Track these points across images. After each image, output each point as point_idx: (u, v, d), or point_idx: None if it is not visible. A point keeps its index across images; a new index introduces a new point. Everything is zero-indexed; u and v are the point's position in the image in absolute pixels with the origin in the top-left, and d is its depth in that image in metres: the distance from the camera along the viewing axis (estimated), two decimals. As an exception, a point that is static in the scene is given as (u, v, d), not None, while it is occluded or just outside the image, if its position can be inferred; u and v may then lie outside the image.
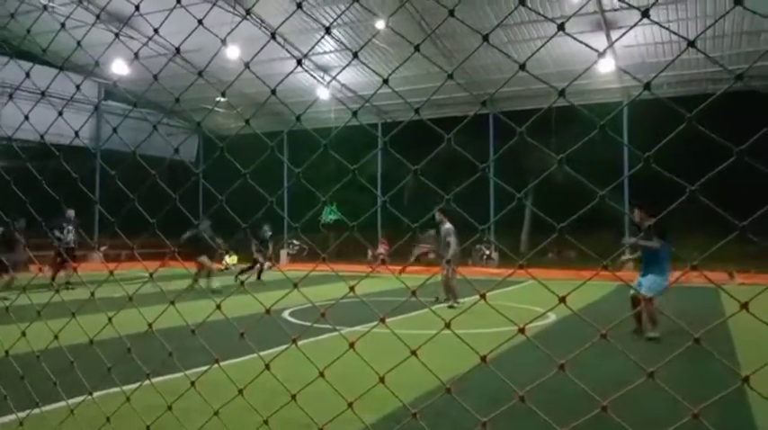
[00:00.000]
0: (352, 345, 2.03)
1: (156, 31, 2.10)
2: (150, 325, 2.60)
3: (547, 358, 1.75)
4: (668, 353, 1.71)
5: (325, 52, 22.80)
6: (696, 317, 9.54)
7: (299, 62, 2.07)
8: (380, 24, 19.18)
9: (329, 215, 27.43)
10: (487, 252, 24.17)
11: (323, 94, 24.31)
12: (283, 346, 2.67)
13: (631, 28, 1.97)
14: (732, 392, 1.76)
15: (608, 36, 18.37)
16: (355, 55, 1.86)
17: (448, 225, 11.54)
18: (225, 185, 2.73)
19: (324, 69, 23.77)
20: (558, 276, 15.61)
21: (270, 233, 17.68)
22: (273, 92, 1.94)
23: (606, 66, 19.89)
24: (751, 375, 1.49)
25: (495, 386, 4.98)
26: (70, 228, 15.28)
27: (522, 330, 1.69)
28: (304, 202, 26.47)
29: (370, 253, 25.10)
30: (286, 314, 10.21)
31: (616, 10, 17.43)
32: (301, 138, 26.35)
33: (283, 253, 27.16)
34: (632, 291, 8.46)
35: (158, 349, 2.47)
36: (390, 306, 10.88)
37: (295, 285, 2.26)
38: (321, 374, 2.07)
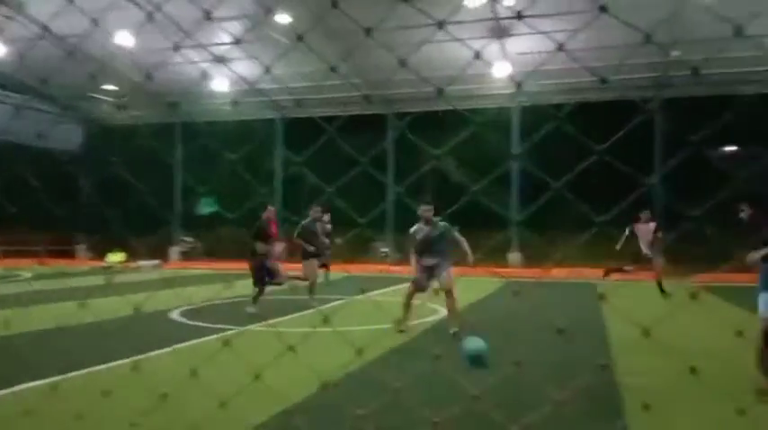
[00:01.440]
0: (227, 344, 1.97)
1: (25, 10, 1.93)
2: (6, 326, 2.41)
3: (443, 350, 1.79)
4: (559, 347, 1.80)
5: (223, 43, 22.16)
6: (572, 311, 10.30)
7: (177, 48, 1.98)
8: (280, 17, 18.92)
9: (206, 207, 27.36)
10: (385, 250, 24.51)
11: (219, 85, 23.71)
12: (174, 346, 2.56)
13: (497, 38, 2.05)
14: (604, 383, 1.88)
15: (501, 42, 19.16)
16: (238, 42, 1.80)
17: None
18: (114, 176, 2.57)
19: (221, 60, 23.11)
20: (455, 273, 16.06)
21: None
22: (150, 77, 1.84)
23: (501, 71, 20.73)
24: (609, 363, 1.60)
25: (392, 379, 5.06)
26: None
27: (401, 330, 1.71)
28: (197, 196, 25.99)
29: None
30: (176, 314, 9.81)
31: (510, 18, 18.20)
32: (199, 130, 25.56)
33: (174, 250, 26.12)
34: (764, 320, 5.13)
35: (29, 352, 2.29)
36: (286, 304, 10.74)
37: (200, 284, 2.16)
38: (195, 374, 2.00)
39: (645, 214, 12.89)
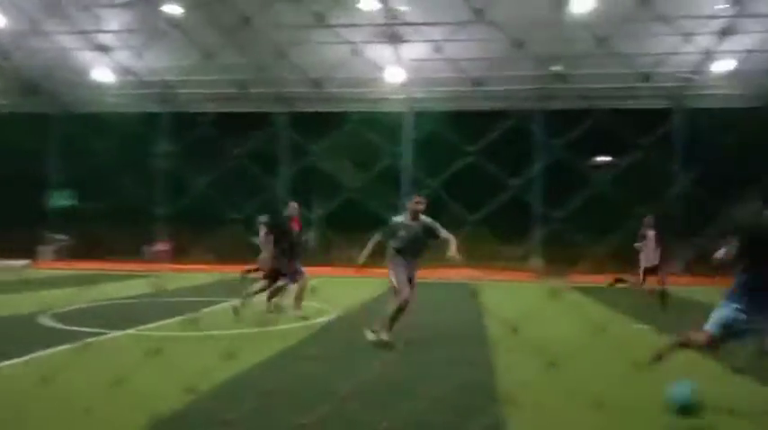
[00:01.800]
0: (87, 348, 1.89)
1: None
2: None
3: (322, 354, 1.81)
4: (438, 345, 1.87)
5: (105, 31, 20.93)
6: (453, 311, 10.88)
7: (38, 30, 1.87)
8: (168, 8, 18.18)
9: (58, 201, 26.48)
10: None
11: (102, 75, 22.47)
12: (40, 352, 2.38)
13: (389, 43, 2.11)
14: (481, 379, 1.98)
15: (395, 48, 19.58)
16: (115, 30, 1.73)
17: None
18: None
19: (103, 49, 21.84)
20: (348, 274, 16.12)
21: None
22: (8, 57, 1.72)
23: (394, 77, 21.18)
24: (485, 360, 1.69)
25: (272, 382, 5.02)
26: None
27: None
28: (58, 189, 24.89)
29: (145, 249, 23.37)
30: (46, 317, 9.12)
31: (401, 24, 18.62)
32: (76, 122, 24.06)
33: (47, 250, 24.28)
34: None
35: None
36: (164, 307, 10.30)
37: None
38: (49, 381, 1.90)
39: (649, 218, 11.59)
